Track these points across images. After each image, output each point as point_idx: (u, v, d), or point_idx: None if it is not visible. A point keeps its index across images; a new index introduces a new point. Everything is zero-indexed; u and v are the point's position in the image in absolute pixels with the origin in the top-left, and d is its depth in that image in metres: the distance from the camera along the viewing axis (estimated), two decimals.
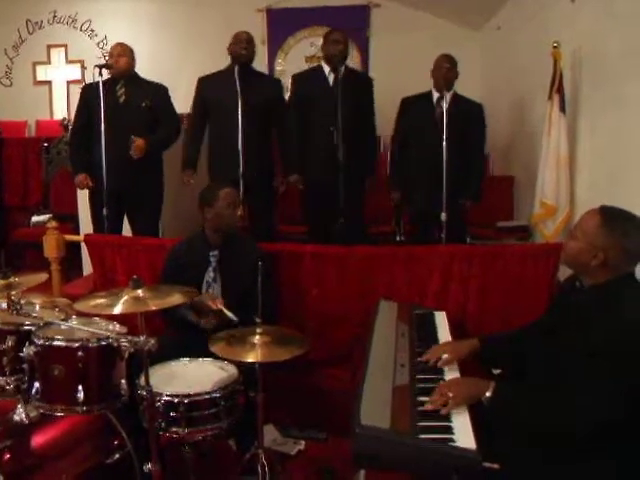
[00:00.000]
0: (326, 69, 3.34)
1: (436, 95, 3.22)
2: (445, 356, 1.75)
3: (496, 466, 1.30)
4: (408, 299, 2.40)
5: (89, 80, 3.33)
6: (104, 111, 3.05)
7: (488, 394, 1.46)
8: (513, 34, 4.35)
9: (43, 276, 1.95)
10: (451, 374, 1.70)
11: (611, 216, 1.51)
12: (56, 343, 1.66)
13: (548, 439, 1.43)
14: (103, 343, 1.67)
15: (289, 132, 3.34)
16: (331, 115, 3.09)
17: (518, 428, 1.47)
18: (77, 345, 1.65)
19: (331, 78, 3.30)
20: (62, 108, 6.15)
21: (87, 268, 3.53)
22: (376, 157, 3.54)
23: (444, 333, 2.03)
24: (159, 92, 3.34)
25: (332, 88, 3.22)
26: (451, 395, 1.46)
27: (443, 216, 2.92)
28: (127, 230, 3.37)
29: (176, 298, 1.74)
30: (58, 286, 2.86)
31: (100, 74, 3.08)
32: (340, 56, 3.26)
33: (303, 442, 2.38)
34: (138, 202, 3.29)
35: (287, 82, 4.19)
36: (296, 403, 2.47)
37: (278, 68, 5.85)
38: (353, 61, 5.20)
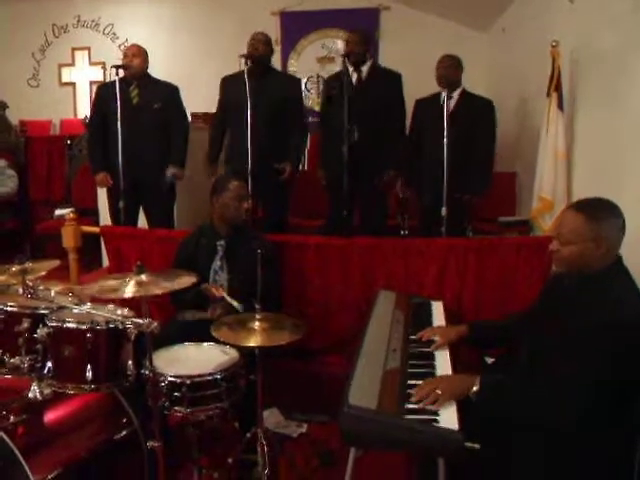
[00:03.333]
0: (350, 69, 3.37)
1: (443, 94, 3.24)
2: (437, 338, 1.85)
3: (477, 446, 1.33)
4: (407, 289, 2.44)
5: (108, 80, 3.46)
6: (119, 111, 3.14)
7: (475, 389, 1.50)
8: (517, 35, 4.35)
9: (55, 262, 2.06)
10: (442, 359, 1.74)
11: (589, 208, 1.53)
12: (67, 325, 1.73)
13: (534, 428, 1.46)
14: (110, 326, 1.74)
15: (303, 129, 3.39)
16: (352, 112, 3.10)
17: (504, 418, 1.50)
18: (86, 327, 1.72)
19: (354, 77, 3.35)
20: (85, 108, 6.32)
21: (106, 260, 3.66)
22: (400, 153, 3.50)
23: (440, 321, 2.07)
24: (170, 92, 3.43)
25: (354, 86, 3.26)
26: (440, 392, 1.49)
27: (443, 211, 2.95)
28: (143, 222, 3.49)
29: (180, 282, 1.81)
30: (75, 275, 2.97)
31: (117, 74, 3.18)
32: (353, 56, 3.29)
33: (305, 425, 2.44)
34: (153, 196, 3.41)
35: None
36: (299, 388, 2.53)
37: (291, 68, 5.96)
38: None
